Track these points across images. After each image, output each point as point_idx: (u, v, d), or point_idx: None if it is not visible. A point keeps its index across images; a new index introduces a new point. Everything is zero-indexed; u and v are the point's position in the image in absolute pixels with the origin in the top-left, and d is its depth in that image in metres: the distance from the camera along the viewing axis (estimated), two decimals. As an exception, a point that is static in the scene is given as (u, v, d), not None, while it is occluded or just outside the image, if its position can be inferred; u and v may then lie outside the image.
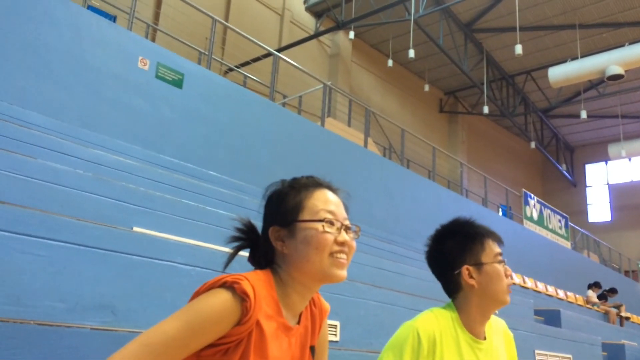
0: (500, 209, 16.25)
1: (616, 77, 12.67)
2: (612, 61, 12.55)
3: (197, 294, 1.08)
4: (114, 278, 2.29)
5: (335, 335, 3.53)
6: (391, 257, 6.39)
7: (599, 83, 17.10)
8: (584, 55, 14.23)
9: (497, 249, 1.50)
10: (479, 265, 1.46)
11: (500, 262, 1.48)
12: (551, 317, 6.93)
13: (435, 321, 1.43)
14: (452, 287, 1.51)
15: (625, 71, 12.71)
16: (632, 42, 13.36)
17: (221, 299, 1.03)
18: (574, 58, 13.86)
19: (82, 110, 5.46)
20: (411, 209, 9.66)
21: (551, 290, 10.31)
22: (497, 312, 1.61)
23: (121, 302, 2.25)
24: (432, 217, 8.78)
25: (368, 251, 5.87)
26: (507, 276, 1.48)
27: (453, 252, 1.49)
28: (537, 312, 7.02)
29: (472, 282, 1.46)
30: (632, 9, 14.55)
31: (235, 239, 1.19)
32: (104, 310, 2.18)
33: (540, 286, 10.00)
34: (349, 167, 8.66)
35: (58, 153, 3.73)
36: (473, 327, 1.47)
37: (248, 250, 1.22)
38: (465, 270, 1.47)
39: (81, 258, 2.17)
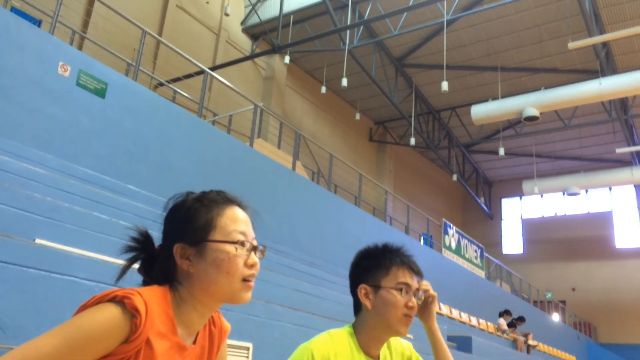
0: (422, 238, 16.75)
1: (532, 119, 13.56)
2: (529, 103, 13.43)
3: (84, 307, 1.00)
4: (6, 292, 2.14)
5: (247, 357, 3.46)
6: (312, 280, 6.38)
7: (517, 123, 18.23)
8: (504, 96, 15.14)
9: (404, 278, 1.46)
10: (376, 287, 1.46)
11: (400, 290, 1.44)
12: (463, 344, 7.17)
13: (331, 342, 1.43)
14: (355, 305, 1.53)
15: (540, 114, 13.64)
16: (547, 87, 14.40)
17: (107, 314, 0.97)
18: (495, 98, 14.73)
19: (-8, 113, 5.12)
20: (336, 234, 9.75)
21: (465, 317, 10.68)
22: (410, 336, 1.61)
23: (12, 319, 2.09)
24: (355, 242, 8.86)
25: (288, 273, 5.83)
26: (408, 308, 1.44)
27: (360, 271, 1.51)
28: (450, 338, 7.24)
29: (366, 302, 1.47)
30: (548, 56, 15.75)
31: (130, 249, 1.13)
32: (-9, 326, 2.02)
33: (455, 313, 10.34)
34: (276, 189, 8.63)
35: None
36: (368, 349, 1.48)
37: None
38: (362, 288, 1.48)
39: (-31, 269, 2.01)
